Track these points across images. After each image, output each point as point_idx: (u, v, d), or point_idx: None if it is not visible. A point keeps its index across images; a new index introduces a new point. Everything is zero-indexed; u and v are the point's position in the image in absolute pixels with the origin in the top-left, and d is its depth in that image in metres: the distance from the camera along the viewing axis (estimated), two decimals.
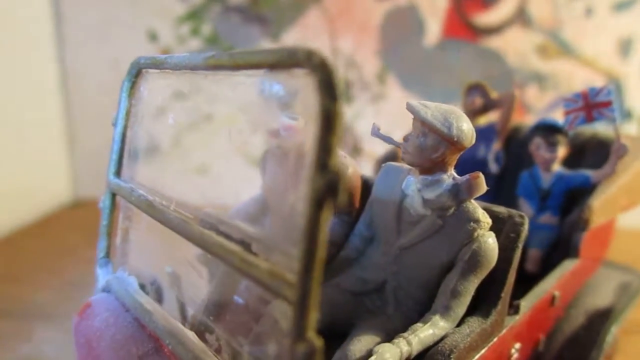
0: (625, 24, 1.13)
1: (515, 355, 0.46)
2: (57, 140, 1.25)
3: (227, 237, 0.32)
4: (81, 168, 1.29)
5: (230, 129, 0.36)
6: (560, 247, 0.61)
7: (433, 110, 0.39)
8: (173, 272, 0.47)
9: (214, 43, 1.19)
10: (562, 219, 0.63)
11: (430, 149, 0.40)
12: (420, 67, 1.18)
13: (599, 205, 0.58)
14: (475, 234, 0.39)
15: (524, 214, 0.43)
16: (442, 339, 0.38)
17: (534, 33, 1.14)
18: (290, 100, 0.30)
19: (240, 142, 0.36)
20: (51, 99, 1.22)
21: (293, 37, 1.18)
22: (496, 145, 0.71)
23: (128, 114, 0.45)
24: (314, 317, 0.24)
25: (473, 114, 0.72)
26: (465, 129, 0.39)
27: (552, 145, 0.62)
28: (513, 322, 0.44)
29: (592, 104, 0.59)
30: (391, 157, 0.67)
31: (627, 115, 1.15)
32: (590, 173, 0.62)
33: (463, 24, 1.14)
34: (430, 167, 0.41)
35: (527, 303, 0.46)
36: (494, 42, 1.16)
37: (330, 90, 0.23)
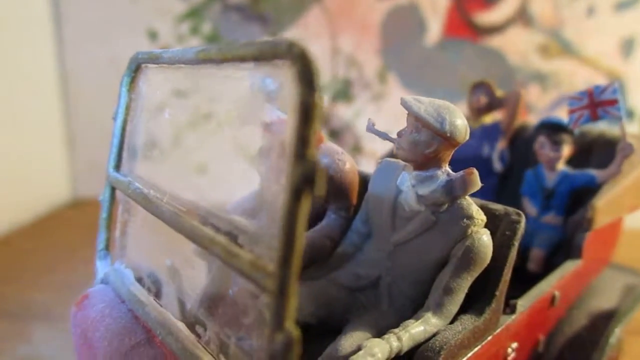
0: (627, 24, 1.11)
1: (512, 355, 0.46)
2: (56, 140, 1.25)
3: (216, 229, 0.32)
4: (80, 168, 1.29)
5: (222, 122, 0.36)
6: (564, 247, 0.60)
7: (426, 105, 0.39)
8: (172, 266, 0.47)
9: (213, 42, 1.19)
10: (567, 220, 0.62)
11: (424, 145, 0.39)
12: (421, 67, 1.17)
13: (603, 205, 0.57)
14: (469, 230, 0.39)
15: (523, 212, 0.43)
16: (433, 335, 0.38)
17: (536, 32, 1.13)
18: (278, 93, 0.30)
19: (233, 137, 0.37)
20: (50, 99, 1.22)
21: (293, 36, 1.18)
22: (501, 144, 0.70)
23: (128, 108, 0.45)
24: (292, 307, 0.24)
25: (478, 112, 0.72)
26: (459, 124, 0.39)
27: (557, 144, 0.61)
28: (509, 321, 0.43)
29: (597, 102, 0.58)
30: (394, 155, 0.67)
31: (629, 114, 1.13)
32: (595, 173, 0.61)
33: (464, 23, 1.13)
34: (424, 162, 0.40)
35: (524, 302, 0.46)
36: (496, 42, 1.15)
37: (308, 81, 0.23)
